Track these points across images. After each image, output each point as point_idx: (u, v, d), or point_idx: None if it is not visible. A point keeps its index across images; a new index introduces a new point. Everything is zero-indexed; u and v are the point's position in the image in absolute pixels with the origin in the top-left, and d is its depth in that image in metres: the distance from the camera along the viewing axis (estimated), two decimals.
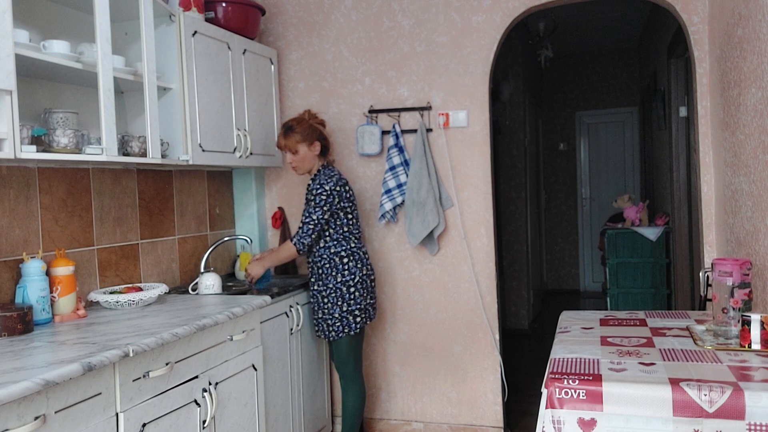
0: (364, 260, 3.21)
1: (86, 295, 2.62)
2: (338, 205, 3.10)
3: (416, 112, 3.60)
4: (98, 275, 2.75)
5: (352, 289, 3.13)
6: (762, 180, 2.29)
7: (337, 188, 3.09)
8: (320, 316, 3.18)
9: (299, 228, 3.09)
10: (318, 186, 3.07)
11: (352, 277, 3.14)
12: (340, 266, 3.13)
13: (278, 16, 3.83)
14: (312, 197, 3.07)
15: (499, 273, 3.67)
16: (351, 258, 3.15)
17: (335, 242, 3.14)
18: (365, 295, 3.18)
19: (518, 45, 6.15)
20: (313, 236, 3.06)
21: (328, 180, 3.09)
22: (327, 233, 3.13)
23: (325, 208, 3.05)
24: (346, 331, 3.14)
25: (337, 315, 3.13)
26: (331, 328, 3.16)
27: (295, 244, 3.07)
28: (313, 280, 3.20)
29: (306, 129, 3.13)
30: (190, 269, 3.35)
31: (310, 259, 3.20)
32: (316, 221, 3.05)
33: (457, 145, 3.56)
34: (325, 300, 3.15)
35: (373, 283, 3.25)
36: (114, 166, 2.83)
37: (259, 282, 3.25)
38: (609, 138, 8.01)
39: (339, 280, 3.12)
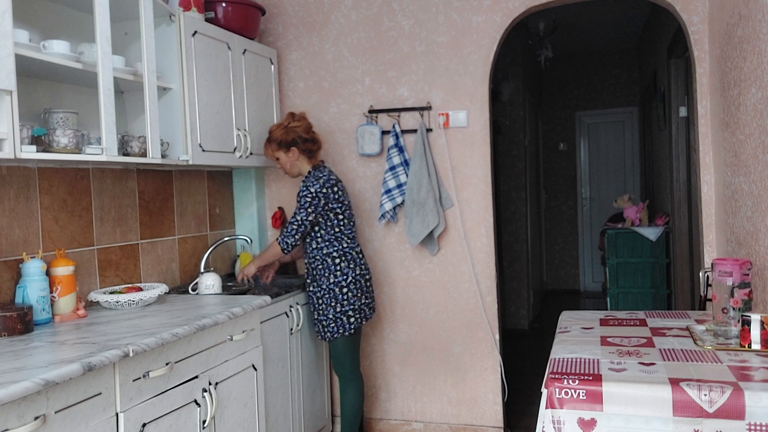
0: (357, 260, 3.20)
1: (86, 295, 2.62)
2: (326, 206, 3.10)
3: (416, 112, 3.60)
4: (98, 275, 2.75)
5: (345, 290, 3.14)
6: (762, 180, 2.29)
7: (324, 189, 3.09)
8: (316, 317, 3.19)
9: (285, 228, 3.12)
10: (305, 188, 3.10)
11: (345, 277, 3.14)
12: (333, 267, 3.14)
13: (278, 16, 3.83)
14: (299, 198, 3.10)
15: (499, 273, 3.67)
16: (343, 258, 3.15)
17: (327, 243, 3.14)
18: (359, 295, 3.18)
19: (518, 45, 6.14)
20: (297, 236, 3.08)
21: (315, 182, 3.10)
22: (318, 234, 3.14)
23: (309, 210, 3.06)
24: (341, 331, 3.15)
25: (331, 316, 3.14)
26: (326, 329, 3.16)
27: (279, 243, 3.10)
28: (308, 281, 3.21)
29: (280, 136, 3.16)
30: (190, 269, 3.35)
31: (306, 261, 3.22)
32: (300, 222, 3.07)
33: (457, 145, 3.56)
34: (320, 301, 3.15)
35: (368, 283, 3.25)
36: (114, 166, 2.83)
37: (256, 280, 3.30)
38: (609, 138, 8.00)
39: (332, 281, 3.13)
